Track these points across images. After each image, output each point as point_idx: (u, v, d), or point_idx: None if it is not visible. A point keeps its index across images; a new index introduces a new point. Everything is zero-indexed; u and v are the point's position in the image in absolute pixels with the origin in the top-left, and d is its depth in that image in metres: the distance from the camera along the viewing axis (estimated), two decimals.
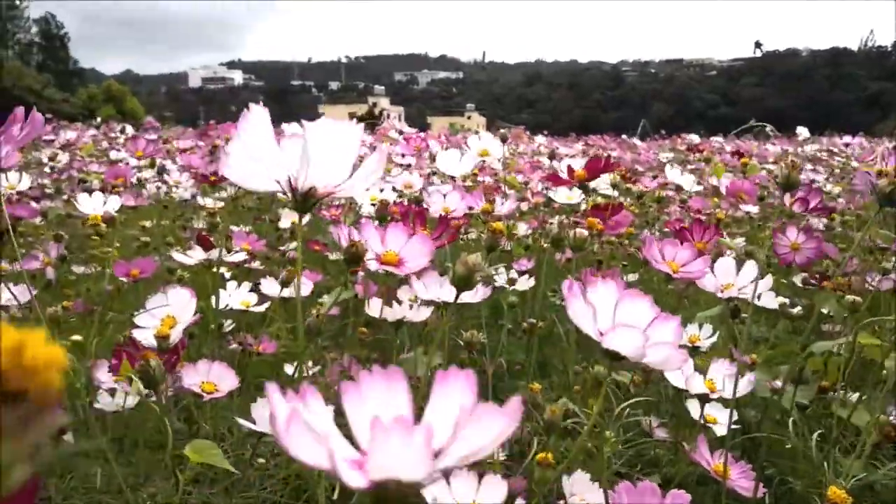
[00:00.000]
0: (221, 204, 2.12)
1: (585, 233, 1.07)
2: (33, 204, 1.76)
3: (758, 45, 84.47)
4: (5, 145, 0.71)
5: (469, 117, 50.02)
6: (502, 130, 1.68)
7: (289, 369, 1.04)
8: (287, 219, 1.73)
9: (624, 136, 6.77)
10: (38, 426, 0.19)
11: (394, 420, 0.24)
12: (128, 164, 2.06)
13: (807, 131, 3.59)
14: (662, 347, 0.48)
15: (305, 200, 0.53)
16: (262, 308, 1.20)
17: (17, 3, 29.96)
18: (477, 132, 2.10)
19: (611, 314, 0.50)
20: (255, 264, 1.50)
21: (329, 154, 0.51)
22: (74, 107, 19.72)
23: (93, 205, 1.33)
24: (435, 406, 0.29)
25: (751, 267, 0.91)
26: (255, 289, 1.21)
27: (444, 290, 0.92)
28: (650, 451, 1.06)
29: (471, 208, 1.40)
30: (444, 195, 1.33)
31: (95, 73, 54.70)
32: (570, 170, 1.31)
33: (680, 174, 1.71)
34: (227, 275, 1.36)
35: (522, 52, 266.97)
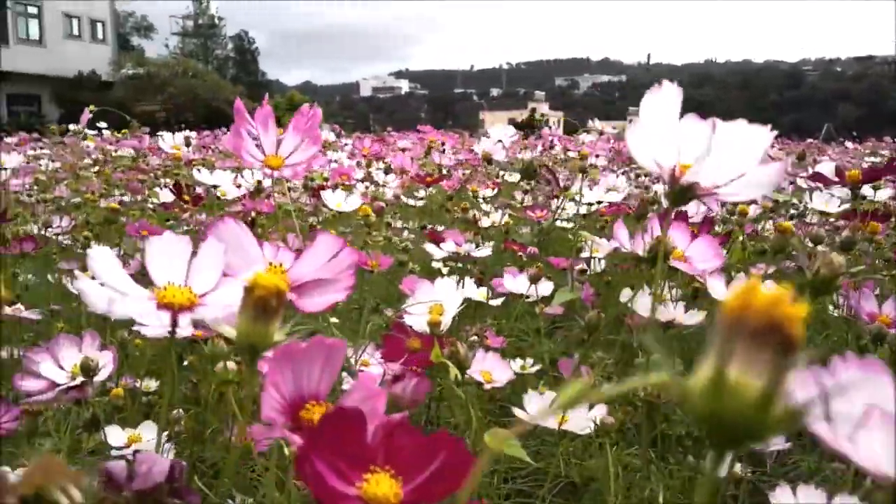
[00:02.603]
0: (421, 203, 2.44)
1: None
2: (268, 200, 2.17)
3: None
4: (295, 134, 0.80)
5: (631, 121, 48.67)
6: None
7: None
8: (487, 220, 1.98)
9: (809, 140, 6.55)
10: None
11: None
12: (341, 164, 2.44)
13: None
14: None
15: (683, 193, 0.51)
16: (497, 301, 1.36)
17: (217, 22, 33.10)
18: None
19: None
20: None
21: (730, 151, 0.48)
22: None
23: (335, 199, 1.67)
24: None
25: None
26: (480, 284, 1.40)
27: None
28: None
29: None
30: None
31: (280, 84, 59.07)
32: (840, 171, 1.21)
33: None
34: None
35: (690, 53, 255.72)
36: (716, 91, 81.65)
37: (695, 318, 0.96)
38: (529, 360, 1.18)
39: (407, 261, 1.47)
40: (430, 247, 1.54)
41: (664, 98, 0.51)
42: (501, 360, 0.98)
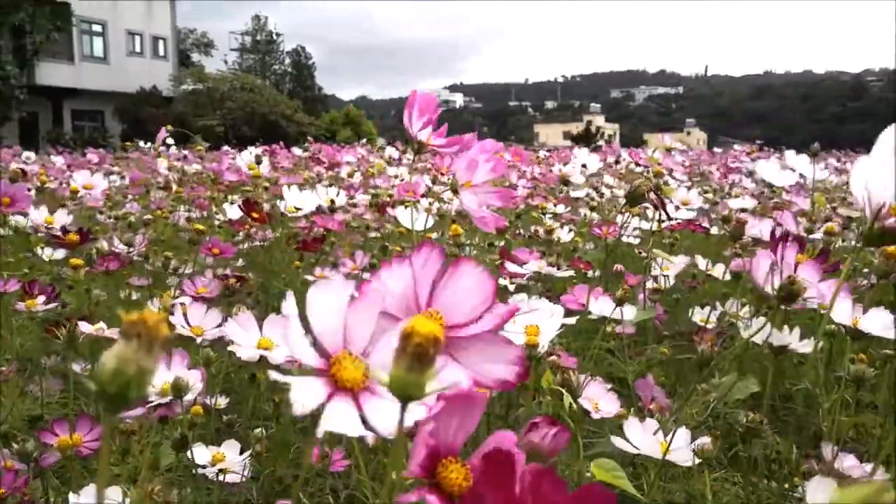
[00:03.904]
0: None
1: None
2: (339, 216, 2.19)
3: None
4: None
5: (688, 133, 48.09)
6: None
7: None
8: None
9: None
10: None
11: None
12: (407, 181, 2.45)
13: None
14: None
15: (882, 236, 0.48)
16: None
17: (275, 38, 33.87)
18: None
19: None
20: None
21: None
22: (318, 129, 21.86)
23: (405, 217, 1.67)
24: None
25: None
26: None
27: None
28: None
29: None
30: None
31: (335, 98, 60.03)
32: None
33: None
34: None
35: (749, 65, 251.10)
36: (776, 103, 79.84)
37: (808, 346, 0.92)
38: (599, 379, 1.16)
39: None
40: (511, 266, 1.51)
41: None
42: (608, 390, 0.97)
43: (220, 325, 1.06)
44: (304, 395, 0.36)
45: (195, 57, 27.89)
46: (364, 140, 5.99)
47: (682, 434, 0.85)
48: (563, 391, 0.60)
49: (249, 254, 2.17)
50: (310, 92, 31.58)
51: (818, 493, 0.69)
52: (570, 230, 2.23)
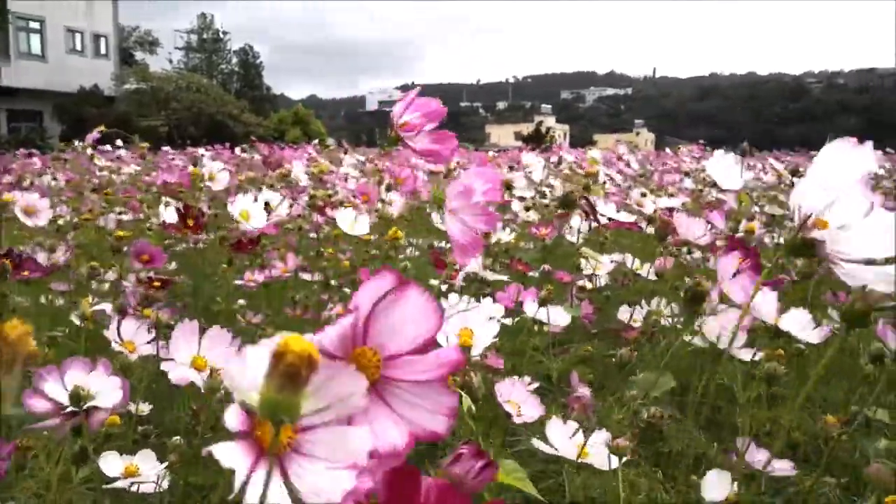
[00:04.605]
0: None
1: None
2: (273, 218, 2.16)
3: None
4: None
5: (638, 133, 48.95)
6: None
7: None
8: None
9: (812, 152, 6.59)
10: None
11: None
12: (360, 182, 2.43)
13: None
14: None
15: (804, 247, 0.49)
16: None
17: (221, 36, 33.33)
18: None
19: None
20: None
21: (874, 233, 0.47)
22: (267, 129, 21.59)
23: (346, 220, 1.65)
24: None
25: None
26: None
27: None
28: None
29: None
30: None
31: (284, 98, 59.30)
32: None
33: None
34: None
35: (696, 66, 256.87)
36: (721, 104, 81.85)
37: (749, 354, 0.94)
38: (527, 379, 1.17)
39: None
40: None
41: (853, 156, 0.48)
42: (532, 394, 0.97)
43: (151, 342, 1.04)
44: (230, 462, 0.34)
45: (139, 55, 27.26)
46: (316, 141, 5.94)
47: (600, 435, 0.86)
48: (463, 394, 0.60)
49: (184, 255, 2.13)
50: (258, 91, 31.15)
51: (713, 489, 0.70)
52: (511, 231, 2.25)
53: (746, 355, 0.93)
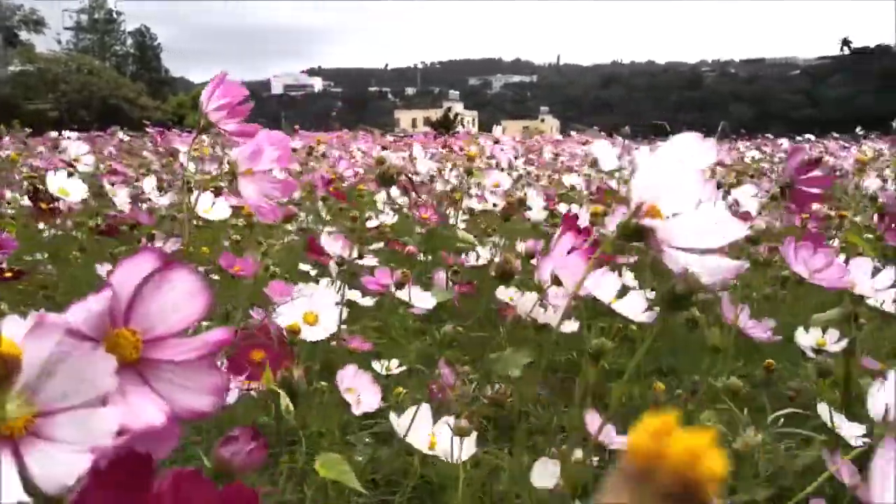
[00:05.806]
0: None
1: None
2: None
3: (846, 42, 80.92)
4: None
5: (542, 120, 49.91)
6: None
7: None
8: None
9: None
10: None
11: None
12: None
13: None
14: None
15: (635, 233, 0.48)
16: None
17: (115, 16, 31.76)
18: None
19: None
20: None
21: (706, 222, 0.48)
22: (165, 114, 20.77)
23: (203, 204, 1.60)
24: None
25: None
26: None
27: None
28: None
29: None
30: None
31: (185, 81, 57.10)
32: None
33: None
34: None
35: (598, 54, 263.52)
36: (622, 92, 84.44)
37: (573, 327, 0.97)
38: (395, 362, 1.18)
39: (269, 266, 1.41)
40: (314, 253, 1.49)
41: (695, 149, 0.49)
42: (373, 384, 0.94)
43: None
44: None
45: (23, 35, 25.63)
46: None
47: (445, 420, 0.86)
48: (281, 392, 0.58)
49: (52, 243, 2.03)
50: (155, 74, 29.88)
51: (541, 477, 0.72)
52: (395, 214, 2.25)
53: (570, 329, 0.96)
